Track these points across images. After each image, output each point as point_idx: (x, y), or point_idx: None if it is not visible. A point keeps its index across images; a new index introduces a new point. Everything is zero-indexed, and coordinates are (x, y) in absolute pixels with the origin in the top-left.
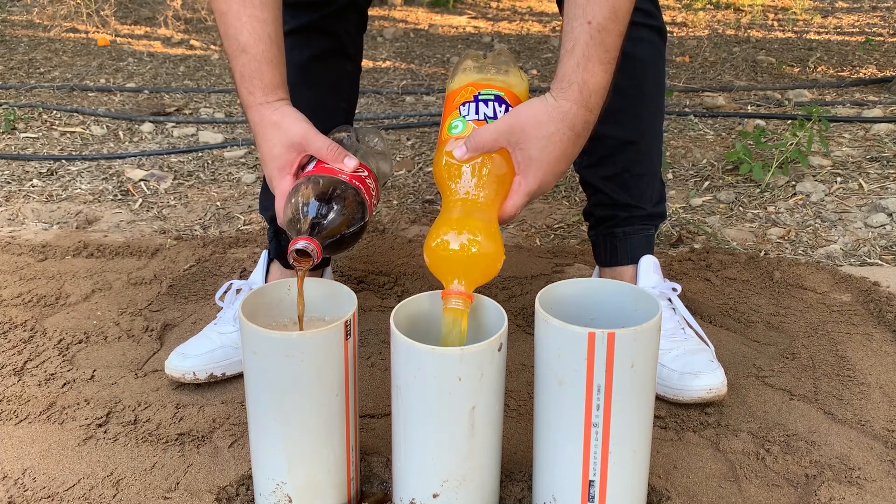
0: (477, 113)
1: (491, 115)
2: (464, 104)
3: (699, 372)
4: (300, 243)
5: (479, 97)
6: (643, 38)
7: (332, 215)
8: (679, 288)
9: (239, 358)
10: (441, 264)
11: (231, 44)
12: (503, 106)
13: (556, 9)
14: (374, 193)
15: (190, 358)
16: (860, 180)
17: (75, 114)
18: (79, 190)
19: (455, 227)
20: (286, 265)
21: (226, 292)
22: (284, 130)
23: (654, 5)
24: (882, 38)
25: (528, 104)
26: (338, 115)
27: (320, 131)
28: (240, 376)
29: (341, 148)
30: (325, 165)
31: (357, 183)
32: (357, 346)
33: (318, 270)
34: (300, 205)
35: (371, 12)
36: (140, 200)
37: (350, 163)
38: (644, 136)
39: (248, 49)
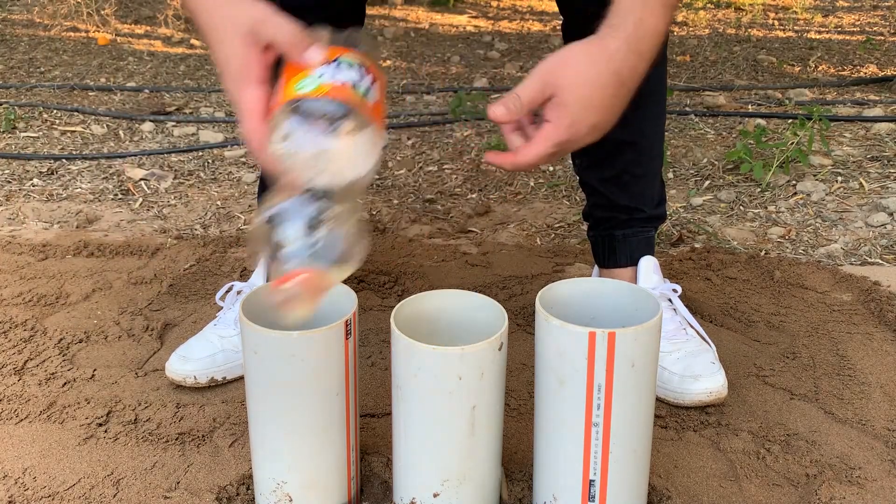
0: (335, 78)
1: (356, 79)
2: (319, 68)
3: (699, 375)
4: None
5: (340, 61)
6: None
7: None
8: (679, 289)
9: (239, 362)
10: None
11: None
12: (370, 77)
13: (557, 8)
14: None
15: (191, 362)
16: (861, 180)
17: (76, 113)
18: (79, 189)
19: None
20: None
21: (226, 293)
22: (233, 19)
23: None
24: (883, 38)
25: (567, 47)
26: None
27: None
28: (240, 379)
29: (305, 33)
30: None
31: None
32: (357, 345)
33: None
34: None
35: (371, 11)
36: (140, 200)
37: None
38: (644, 137)
39: None
